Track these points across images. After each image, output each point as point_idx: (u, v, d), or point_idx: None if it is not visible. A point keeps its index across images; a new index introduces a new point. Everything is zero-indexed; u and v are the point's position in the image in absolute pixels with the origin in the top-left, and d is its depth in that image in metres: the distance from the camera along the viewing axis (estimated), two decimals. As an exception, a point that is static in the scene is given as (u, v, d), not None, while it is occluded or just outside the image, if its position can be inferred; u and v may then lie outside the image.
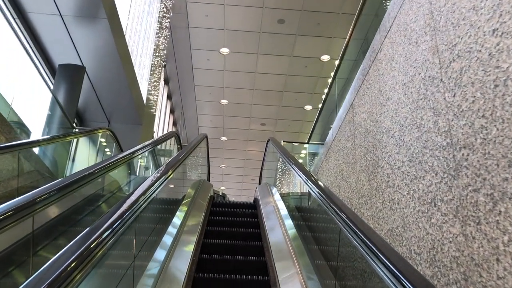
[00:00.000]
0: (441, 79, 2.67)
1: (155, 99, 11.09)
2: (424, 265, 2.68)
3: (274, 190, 6.00)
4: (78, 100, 8.04)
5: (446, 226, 2.48)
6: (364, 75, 4.17)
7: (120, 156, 5.14)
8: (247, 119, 15.86)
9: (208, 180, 7.83)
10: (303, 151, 14.42)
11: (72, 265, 1.41)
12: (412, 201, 2.92)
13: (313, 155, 8.50)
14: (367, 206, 3.72)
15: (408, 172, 3.02)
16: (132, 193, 2.67)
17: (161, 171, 3.88)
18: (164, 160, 8.45)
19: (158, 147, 8.59)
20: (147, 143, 6.23)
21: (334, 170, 4.81)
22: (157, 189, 3.17)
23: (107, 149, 7.79)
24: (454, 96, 2.50)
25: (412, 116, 3.04)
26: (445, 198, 2.52)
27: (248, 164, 18.20)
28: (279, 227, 4.33)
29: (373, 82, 3.91)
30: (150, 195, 2.86)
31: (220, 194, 11.37)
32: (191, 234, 3.85)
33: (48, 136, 6.01)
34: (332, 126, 6.31)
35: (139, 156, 7.23)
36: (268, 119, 15.81)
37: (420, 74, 2.97)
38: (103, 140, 7.56)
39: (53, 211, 3.47)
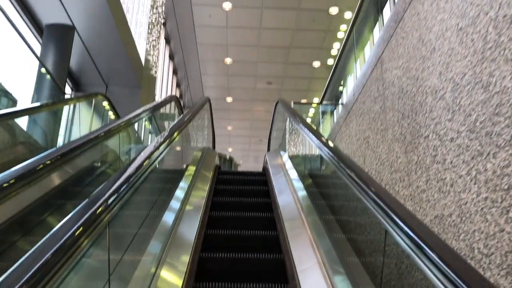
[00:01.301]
0: (528, 18, 1.86)
1: (155, 60, 10.22)
2: (496, 271, 1.97)
3: (285, 157, 5.28)
4: (69, 63, 7.23)
5: (538, 226, 1.74)
6: (397, 22, 3.32)
7: (114, 124, 4.50)
8: (253, 78, 14.95)
9: (213, 147, 7.07)
10: (311, 110, 13.64)
11: (78, 231, 1.31)
12: (474, 184, 2.18)
13: (323, 113, 7.75)
14: (403, 184, 2.98)
15: (468, 146, 2.25)
16: (134, 159, 2.41)
17: (157, 142, 3.28)
18: (168, 124, 7.74)
19: (161, 111, 7.88)
20: (144, 108, 5.54)
21: (357, 137, 4.05)
22: (159, 156, 2.84)
23: (104, 116, 7.05)
24: (553, 41, 1.71)
25: (474, 71, 2.24)
26: (534, 187, 1.78)
27: (255, 125, 17.41)
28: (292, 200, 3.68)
29: (410, 30, 3.07)
30: (152, 164, 2.56)
31: (227, 158, 10.68)
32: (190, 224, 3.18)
33: (32, 105, 5.26)
34: (349, 84, 5.51)
35: (137, 123, 6.51)
36: (275, 77, 14.88)
37: (488, 14, 2.15)
38: (101, 106, 6.81)
39: (33, 193, 2.93)
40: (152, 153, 2.55)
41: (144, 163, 2.34)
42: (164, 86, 13.72)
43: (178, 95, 16.08)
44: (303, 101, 15.76)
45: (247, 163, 19.78)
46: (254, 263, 2.67)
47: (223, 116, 16.97)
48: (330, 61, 14.11)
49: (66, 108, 6.31)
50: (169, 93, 14.11)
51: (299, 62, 14.08)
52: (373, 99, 3.69)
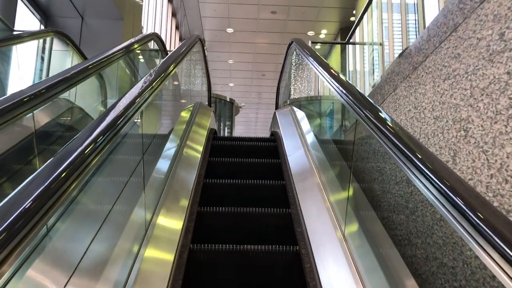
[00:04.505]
0: None
1: (140, -15, 8.08)
2: None
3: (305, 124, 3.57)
4: (19, -11, 5.23)
5: None
6: None
7: (73, 71, 2.82)
8: (256, 7, 12.65)
9: (209, 104, 5.18)
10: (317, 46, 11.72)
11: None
12: None
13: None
14: None
15: None
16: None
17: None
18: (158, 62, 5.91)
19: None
20: (114, 50, 3.76)
21: (436, 113, 2.31)
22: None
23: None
24: None
25: None
26: None
27: (258, 58, 15.30)
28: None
29: None
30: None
31: (227, 100, 8.91)
32: None
33: None
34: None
35: (107, 69, 4.71)
36: (279, 6, 12.56)
37: None
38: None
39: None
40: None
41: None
42: (158, 16, 11.54)
43: (174, 25, 13.88)
44: (310, 33, 13.62)
45: (249, 99, 17.96)
46: None
47: (224, 49, 14.88)
48: (342, -13, 11.78)
49: (15, 51, 4.51)
50: (163, 25, 11.96)
51: (307, -12, 11.75)
52: (485, 54, 1.91)
